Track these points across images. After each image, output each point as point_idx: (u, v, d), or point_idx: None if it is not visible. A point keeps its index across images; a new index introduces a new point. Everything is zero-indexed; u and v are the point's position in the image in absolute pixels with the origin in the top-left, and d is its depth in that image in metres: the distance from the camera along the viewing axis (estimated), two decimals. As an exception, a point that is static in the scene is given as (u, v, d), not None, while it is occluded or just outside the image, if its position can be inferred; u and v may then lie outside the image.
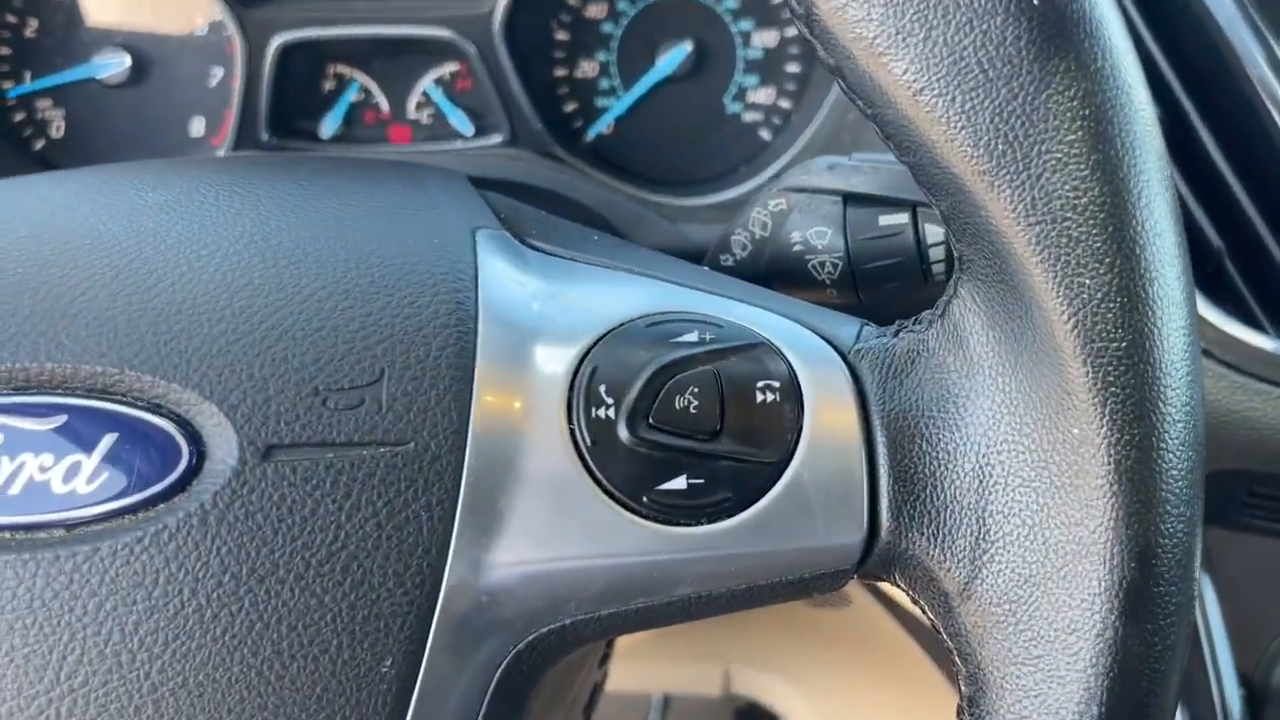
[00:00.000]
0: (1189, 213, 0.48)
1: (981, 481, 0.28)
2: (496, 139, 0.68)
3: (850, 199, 0.40)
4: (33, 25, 0.69)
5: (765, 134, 0.71)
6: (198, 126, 0.70)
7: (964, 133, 0.25)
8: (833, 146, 0.67)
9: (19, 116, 0.70)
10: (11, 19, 0.69)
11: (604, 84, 0.71)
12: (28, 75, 0.70)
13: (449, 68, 0.69)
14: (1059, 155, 0.25)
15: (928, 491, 0.29)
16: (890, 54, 0.25)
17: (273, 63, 0.65)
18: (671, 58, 0.69)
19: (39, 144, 0.71)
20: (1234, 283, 0.48)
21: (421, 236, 0.32)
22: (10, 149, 0.70)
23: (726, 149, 0.71)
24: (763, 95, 0.71)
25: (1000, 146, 0.25)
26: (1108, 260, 0.25)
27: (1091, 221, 0.25)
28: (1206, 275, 0.48)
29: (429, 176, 0.39)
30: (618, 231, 0.61)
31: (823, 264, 0.41)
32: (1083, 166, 0.25)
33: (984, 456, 0.28)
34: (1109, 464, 0.26)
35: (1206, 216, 0.48)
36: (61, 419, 0.28)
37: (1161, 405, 0.25)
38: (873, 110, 0.27)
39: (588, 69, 0.70)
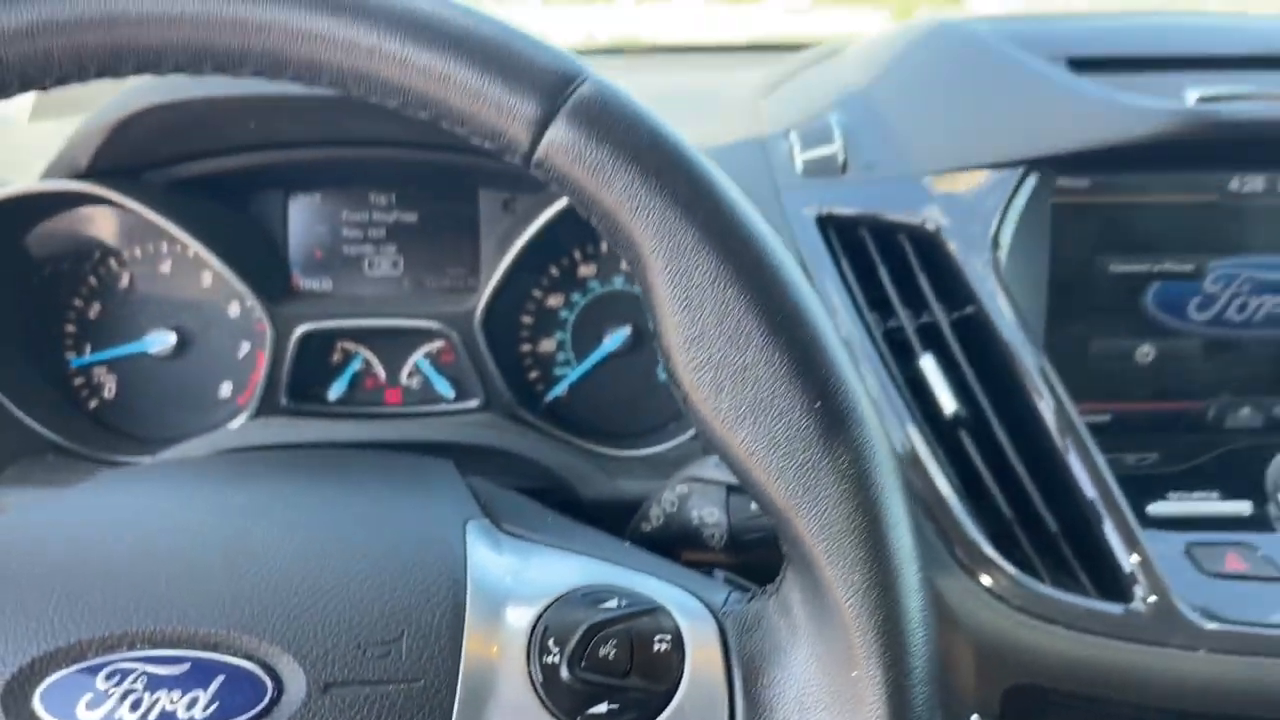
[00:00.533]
0: (988, 488, 0.65)
1: (800, 707, 0.42)
2: (473, 403, 0.84)
3: (731, 489, 0.57)
4: (96, 308, 0.85)
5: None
6: (226, 389, 0.86)
7: (778, 482, 0.41)
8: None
9: (78, 381, 0.86)
10: (79, 303, 0.85)
11: (560, 357, 0.88)
12: (88, 348, 0.85)
13: (436, 344, 0.86)
14: (836, 498, 0.41)
15: (767, 715, 0.43)
16: (733, 429, 0.41)
17: (295, 345, 0.81)
18: (615, 337, 0.87)
19: (93, 404, 0.86)
20: (1022, 543, 0.64)
21: (428, 531, 0.47)
22: (68, 406, 0.85)
23: (658, 410, 0.88)
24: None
25: (800, 491, 0.41)
26: (869, 566, 0.40)
27: (859, 540, 0.40)
28: (998, 536, 0.64)
29: (432, 474, 0.54)
30: (568, 485, 0.76)
31: (713, 535, 0.57)
32: (851, 506, 0.41)
33: (802, 690, 0.42)
34: (877, 694, 0.40)
35: (1000, 491, 0.64)
36: (186, 666, 0.42)
37: (907, 655, 0.40)
38: (722, 458, 0.43)
39: (547, 346, 0.87)
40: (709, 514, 0.57)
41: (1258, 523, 0.65)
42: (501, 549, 0.49)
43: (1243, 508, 0.65)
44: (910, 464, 0.66)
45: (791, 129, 0.84)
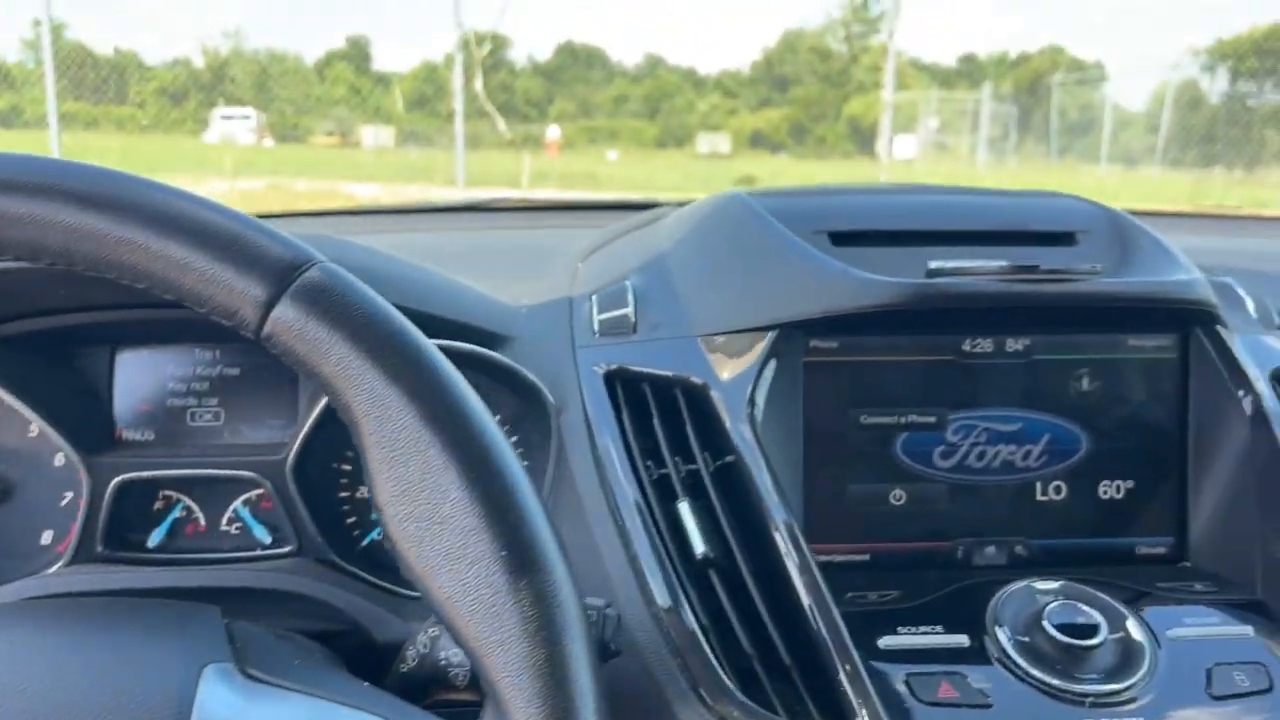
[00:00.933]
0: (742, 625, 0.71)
1: None
2: (287, 549, 0.88)
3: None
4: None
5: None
6: (47, 537, 0.89)
7: (470, 624, 0.46)
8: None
9: (-102, 530, 0.88)
10: (-96, 453, 0.88)
11: (378, 503, 0.92)
12: (-89, 496, 0.88)
13: (255, 492, 0.90)
14: (520, 638, 0.46)
15: None
16: (433, 575, 0.47)
17: (111, 494, 0.85)
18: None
19: (-88, 551, 0.88)
20: (762, 679, 0.70)
21: (158, 677, 0.51)
22: (-114, 556, 0.87)
23: None
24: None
25: (488, 633, 0.46)
26: (549, 702, 0.45)
27: (539, 677, 0.46)
28: (743, 673, 0.70)
29: (190, 620, 0.58)
30: (363, 629, 0.80)
31: (457, 674, 0.62)
32: (533, 645, 0.46)
33: None
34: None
35: (743, 629, 0.70)
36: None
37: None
38: (427, 604, 0.48)
39: (364, 492, 0.92)
40: (454, 654, 0.62)
41: (975, 654, 0.71)
42: (236, 692, 0.53)
43: (961, 640, 0.72)
44: (664, 603, 0.71)
45: (594, 292, 0.93)
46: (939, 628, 0.73)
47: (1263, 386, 0.82)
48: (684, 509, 0.75)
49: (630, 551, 0.74)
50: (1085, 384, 0.84)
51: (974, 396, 0.83)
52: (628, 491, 0.76)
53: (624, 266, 0.96)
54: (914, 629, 0.73)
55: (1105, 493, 0.84)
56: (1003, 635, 0.72)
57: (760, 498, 0.74)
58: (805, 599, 0.70)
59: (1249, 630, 0.74)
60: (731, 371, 0.80)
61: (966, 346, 0.83)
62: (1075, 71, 15.50)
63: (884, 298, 0.78)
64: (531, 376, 0.84)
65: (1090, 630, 0.71)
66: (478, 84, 9.96)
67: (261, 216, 1.67)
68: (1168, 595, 0.78)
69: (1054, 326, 0.83)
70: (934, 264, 0.80)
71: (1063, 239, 0.90)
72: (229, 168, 9.84)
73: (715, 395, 0.80)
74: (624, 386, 0.84)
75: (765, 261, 0.85)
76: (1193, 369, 0.84)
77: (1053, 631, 0.71)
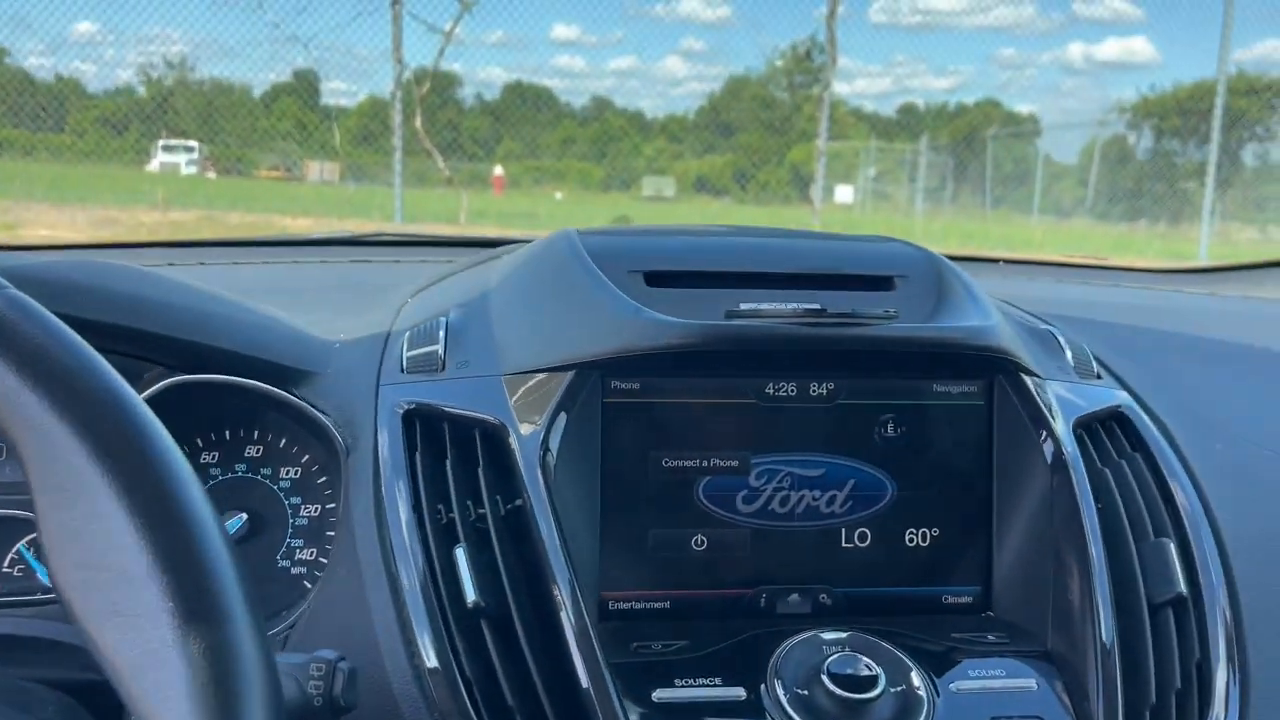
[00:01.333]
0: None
1: None
2: None
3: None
4: None
5: (307, 584, 0.89)
6: None
7: (135, 682, 0.43)
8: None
9: None
10: None
11: (176, 544, 0.88)
12: None
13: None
14: (185, 692, 0.43)
15: None
16: (101, 626, 0.43)
17: None
18: (231, 524, 0.88)
19: None
20: None
21: None
22: None
23: (276, 599, 0.88)
24: (307, 554, 0.90)
25: (153, 690, 0.43)
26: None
27: None
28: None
29: None
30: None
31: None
32: (195, 702, 0.43)
33: None
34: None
35: (507, 680, 0.68)
36: None
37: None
38: (92, 654, 0.45)
39: None
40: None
41: (750, 708, 0.69)
42: None
43: (738, 693, 0.70)
44: (427, 655, 0.68)
45: (410, 328, 0.90)
46: (718, 679, 0.71)
47: (1063, 433, 0.81)
48: (460, 555, 0.72)
49: (399, 599, 0.71)
50: (891, 429, 0.83)
51: (778, 440, 0.82)
52: (405, 536, 0.73)
53: (448, 303, 0.94)
54: (692, 681, 0.71)
55: (911, 540, 0.83)
56: (780, 688, 0.70)
57: (542, 546, 0.72)
58: (575, 652, 0.68)
59: (1032, 683, 0.73)
60: (529, 413, 0.78)
61: (770, 390, 0.82)
62: (1010, 125, 15.92)
63: (676, 338, 0.77)
64: (317, 414, 0.81)
65: (868, 683, 0.69)
66: (418, 121, 9.95)
67: (111, 245, 1.63)
68: (960, 646, 0.77)
69: (858, 371, 0.82)
70: (730, 306, 0.79)
71: (881, 283, 0.89)
72: (160, 198, 9.68)
73: (511, 437, 0.77)
74: (424, 426, 0.81)
75: (570, 301, 0.83)
76: (997, 416, 0.84)
77: (830, 684, 0.69)
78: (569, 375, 0.78)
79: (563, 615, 0.69)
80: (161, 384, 0.81)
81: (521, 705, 0.67)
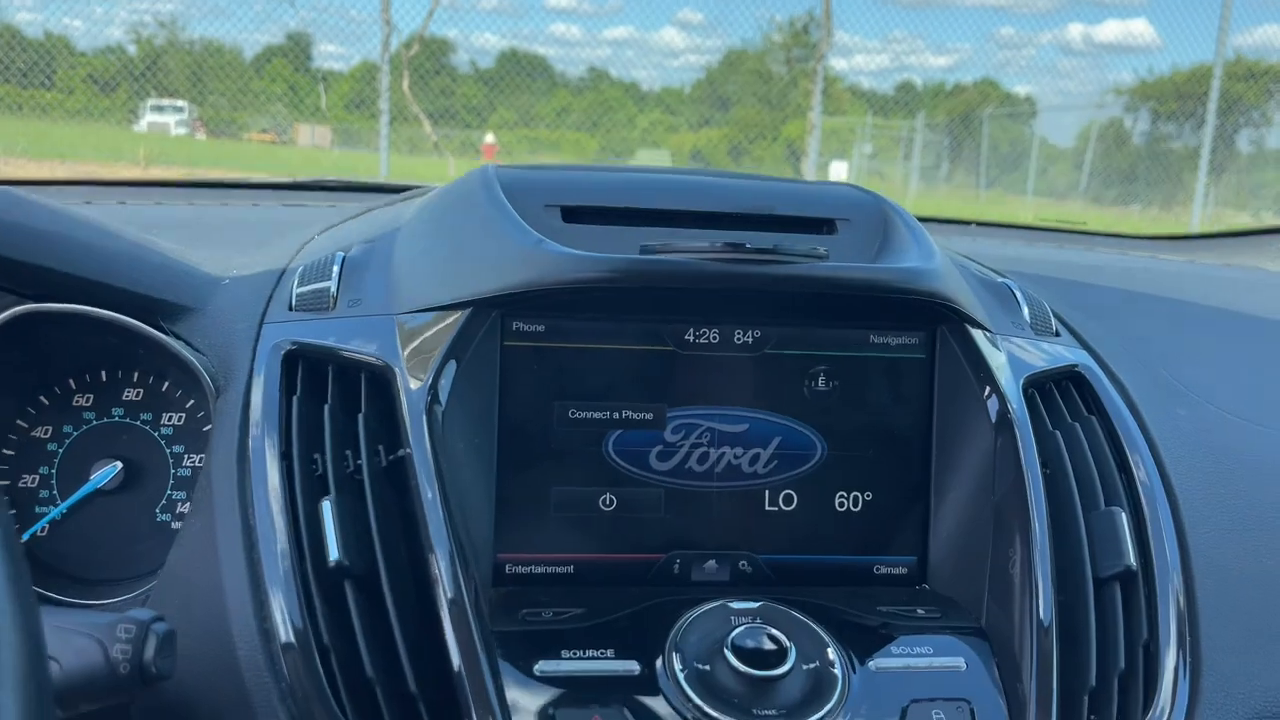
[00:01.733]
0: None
1: None
2: None
3: None
4: None
5: (189, 539, 0.82)
6: None
7: None
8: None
9: None
10: None
11: (44, 494, 0.81)
12: None
13: None
14: None
15: None
16: None
17: None
18: (104, 474, 0.80)
19: None
20: (380, 704, 0.60)
21: None
22: None
23: (149, 557, 0.81)
24: (190, 507, 0.82)
25: None
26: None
27: None
28: (361, 695, 0.60)
29: None
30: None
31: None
32: None
33: None
34: None
35: (368, 647, 0.60)
36: None
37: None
38: None
39: (29, 480, 0.81)
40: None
41: (643, 684, 0.62)
42: None
43: (631, 667, 0.63)
44: (279, 617, 0.61)
45: (305, 264, 0.83)
46: (610, 652, 0.64)
47: (1010, 391, 0.74)
48: (326, 507, 0.64)
49: (253, 555, 0.64)
50: (821, 383, 0.75)
51: (697, 392, 0.74)
52: (268, 486, 0.66)
53: (353, 239, 0.86)
54: (581, 653, 0.63)
55: (842, 505, 0.76)
56: (678, 662, 0.63)
57: (420, 502, 0.64)
58: (445, 618, 0.61)
59: (961, 662, 0.66)
60: (420, 356, 0.70)
61: (689, 336, 0.74)
62: (1007, 106, 15.78)
63: (579, 273, 0.69)
64: (181, 350, 0.74)
65: (776, 658, 0.62)
66: (405, 85, 9.78)
67: (32, 182, 1.54)
68: (888, 621, 0.70)
69: (787, 318, 0.75)
70: (646, 242, 0.71)
71: (821, 226, 0.81)
72: (142, 155, 9.52)
73: (398, 381, 0.70)
74: (309, 369, 0.73)
75: (473, 236, 0.75)
76: (939, 371, 0.76)
77: (732, 659, 0.62)
78: (464, 314, 0.71)
79: (437, 578, 0.62)
80: (8, 313, 0.73)
81: (384, 678, 0.60)
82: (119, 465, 0.81)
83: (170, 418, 0.84)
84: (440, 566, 0.62)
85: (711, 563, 0.74)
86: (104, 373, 0.84)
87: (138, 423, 0.84)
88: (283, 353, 0.73)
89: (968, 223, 1.53)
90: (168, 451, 0.83)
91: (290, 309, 0.78)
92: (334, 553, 0.62)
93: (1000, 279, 0.90)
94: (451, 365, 0.69)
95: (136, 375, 0.84)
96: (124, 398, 0.84)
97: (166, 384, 0.84)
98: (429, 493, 0.64)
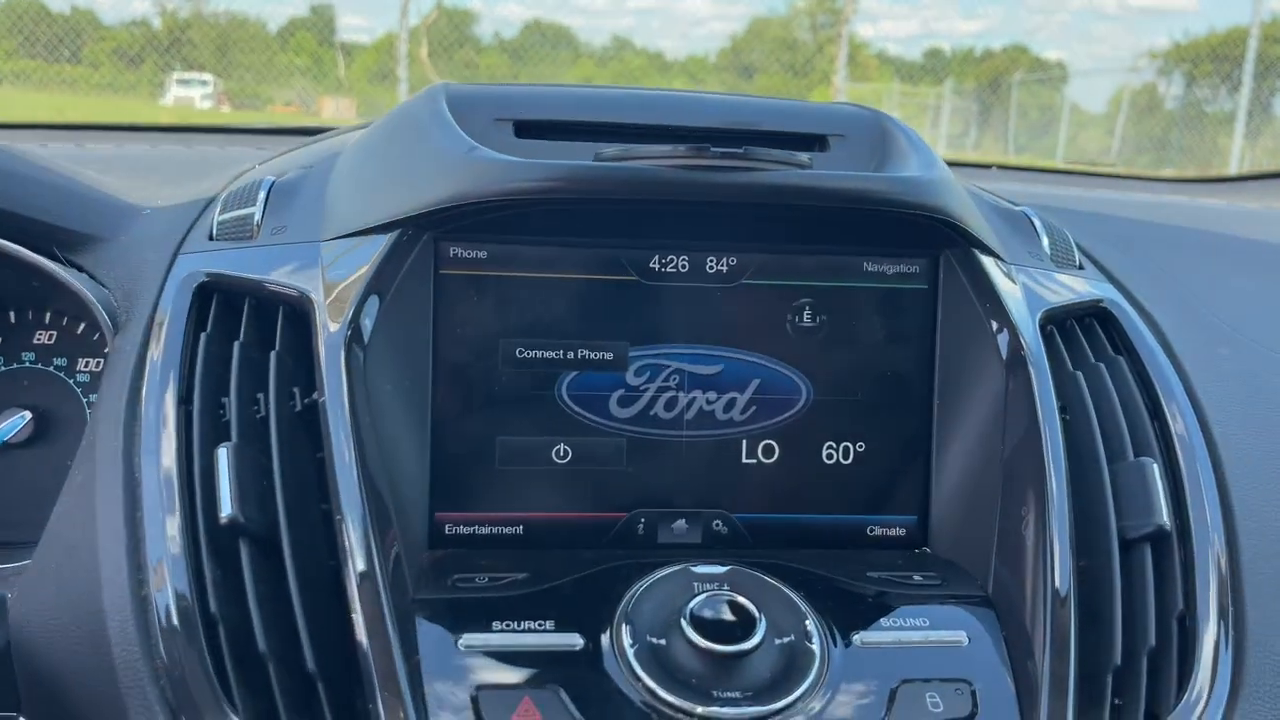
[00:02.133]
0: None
1: None
2: None
3: None
4: None
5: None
6: None
7: None
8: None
9: None
10: None
11: (-57, 447, 0.73)
12: None
13: None
14: None
15: None
16: None
17: None
18: (12, 424, 0.72)
19: None
20: (271, 682, 0.51)
21: None
22: None
23: None
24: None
25: None
26: None
27: None
28: (251, 669, 0.51)
29: None
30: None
31: None
32: None
33: None
34: None
35: (261, 617, 0.52)
36: None
37: None
38: None
39: None
40: None
41: (585, 660, 0.53)
42: None
43: (573, 641, 0.54)
44: (159, 580, 0.52)
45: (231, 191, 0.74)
46: (549, 624, 0.55)
47: (1026, 326, 0.64)
48: (222, 455, 0.56)
49: (135, 511, 0.55)
50: (807, 318, 0.66)
51: (664, 329, 0.65)
52: (159, 433, 0.57)
53: (288, 167, 0.77)
54: (515, 624, 0.54)
55: (830, 457, 0.66)
56: (628, 636, 0.54)
57: (332, 453, 0.55)
58: (351, 583, 0.52)
59: (962, 636, 0.57)
60: (340, 284, 0.61)
61: (655, 264, 0.65)
62: (1037, 71, 15.44)
63: (516, 181, 0.59)
64: (74, 283, 0.65)
65: (742, 631, 0.53)
66: (424, 52, 9.67)
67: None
68: (880, 588, 0.60)
69: (767, 242, 0.65)
70: (601, 151, 0.62)
71: (813, 143, 0.71)
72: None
73: (319, 315, 0.61)
74: (224, 303, 0.65)
75: (408, 152, 0.66)
76: (942, 303, 0.67)
77: (690, 632, 0.53)
78: (390, 238, 0.62)
79: (346, 542, 0.53)
80: None
81: (279, 654, 0.51)
82: (28, 415, 0.73)
83: (87, 363, 0.76)
84: (349, 525, 0.53)
85: (680, 523, 0.65)
86: (12, 313, 0.76)
87: (50, 369, 0.76)
88: (194, 285, 0.65)
89: (988, 166, 1.42)
90: (85, 401, 0.75)
91: (211, 239, 0.69)
92: (226, 507, 0.54)
93: (1017, 207, 0.80)
94: (374, 297, 0.60)
95: (49, 316, 0.76)
96: (35, 341, 0.76)
97: (83, 326, 0.76)
98: (342, 443, 0.55)
